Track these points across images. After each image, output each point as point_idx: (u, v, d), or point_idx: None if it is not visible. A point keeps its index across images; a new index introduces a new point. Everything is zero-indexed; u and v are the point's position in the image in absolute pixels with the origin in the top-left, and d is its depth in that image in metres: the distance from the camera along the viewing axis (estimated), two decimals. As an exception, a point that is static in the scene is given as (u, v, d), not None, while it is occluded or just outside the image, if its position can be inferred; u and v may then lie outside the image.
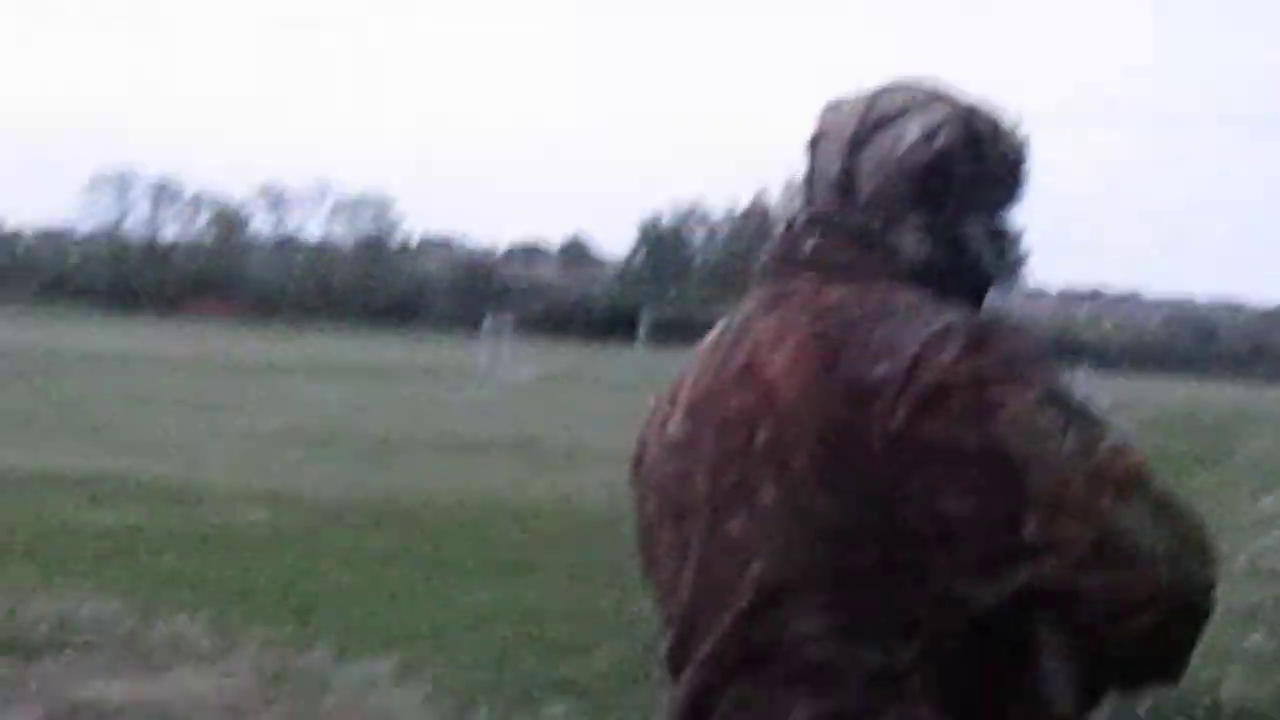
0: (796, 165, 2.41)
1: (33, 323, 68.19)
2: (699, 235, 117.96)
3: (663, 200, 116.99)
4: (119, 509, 14.11)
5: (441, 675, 8.61)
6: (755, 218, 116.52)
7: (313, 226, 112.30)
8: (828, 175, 2.29)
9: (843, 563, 2.09)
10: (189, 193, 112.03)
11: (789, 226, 2.31)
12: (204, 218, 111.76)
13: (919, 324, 2.10)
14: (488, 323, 58.57)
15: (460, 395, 34.97)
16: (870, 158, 2.26)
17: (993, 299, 2.33)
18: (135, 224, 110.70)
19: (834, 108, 2.34)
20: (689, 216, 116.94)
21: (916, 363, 2.06)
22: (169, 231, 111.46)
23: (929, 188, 2.24)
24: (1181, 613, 2.05)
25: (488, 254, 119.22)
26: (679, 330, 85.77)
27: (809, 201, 2.32)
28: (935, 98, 2.29)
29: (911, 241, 2.24)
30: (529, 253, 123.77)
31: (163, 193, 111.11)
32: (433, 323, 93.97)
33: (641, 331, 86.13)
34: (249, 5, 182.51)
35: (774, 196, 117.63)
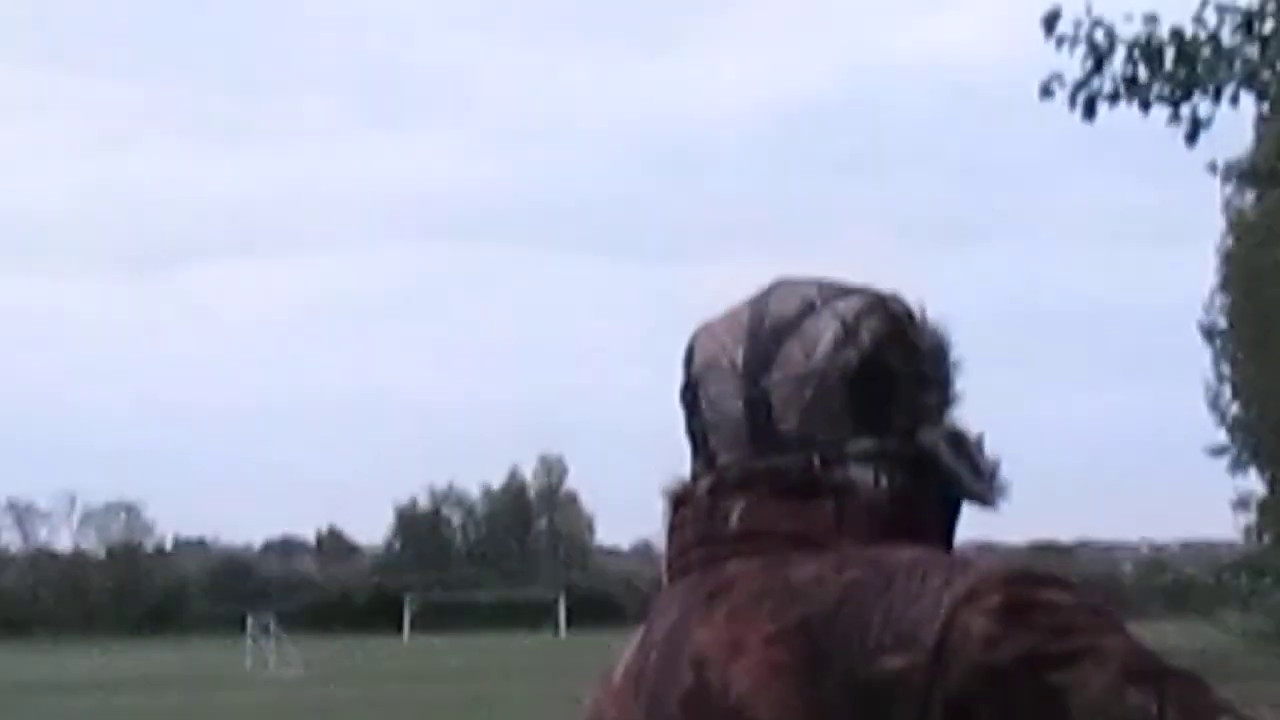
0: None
1: None
2: (456, 517, 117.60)
3: (416, 485, 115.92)
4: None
5: None
6: (511, 496, 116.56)
7: (62, 538, 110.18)
8: (728, 417, 1.72)
9: None
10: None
11: (685, 497, 1.74)
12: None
13: (932, 590, 1.56)
14: (250, 622, 57.73)
15: (228, 700, 34.51)
16: (781, 379, 1.70)
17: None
18: None
19: (706, 332, 1.78)
20: (445, 499, 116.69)
21: (944, 646, 1.53)
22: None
23: (867, 398, 1.70)
24: None
25: (244, 550, 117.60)
26: (443, 615, 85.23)
27: (709, 460, 1.74)
28: (832, 288, 1.76)
29: (865, 475, 1.68)
30: (286, 546, 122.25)
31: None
32: (194, 626, 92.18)
33: (406, 619, 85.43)
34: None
35: (528, 473, 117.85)
